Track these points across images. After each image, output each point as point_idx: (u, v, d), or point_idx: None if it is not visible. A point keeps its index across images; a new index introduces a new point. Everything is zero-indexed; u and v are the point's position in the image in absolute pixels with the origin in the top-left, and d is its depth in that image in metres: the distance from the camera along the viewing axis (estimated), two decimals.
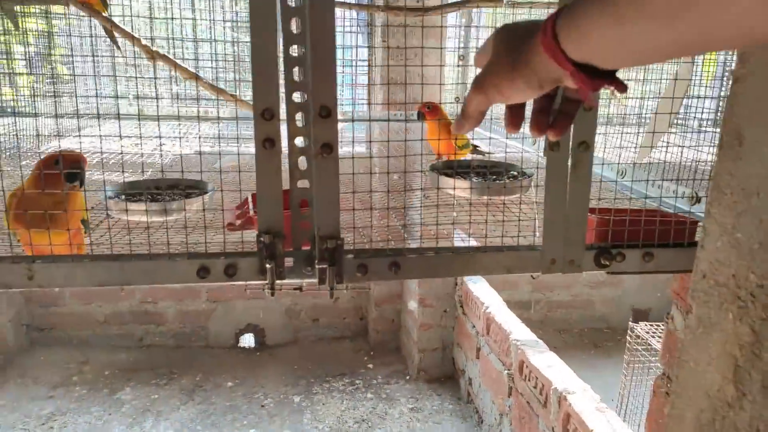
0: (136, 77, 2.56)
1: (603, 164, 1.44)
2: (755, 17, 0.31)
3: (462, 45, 2.73)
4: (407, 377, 3.34)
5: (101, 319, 3.51)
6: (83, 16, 2.42)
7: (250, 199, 1.06)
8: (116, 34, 2.21)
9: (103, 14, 2.12)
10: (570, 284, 3.78)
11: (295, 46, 0.77)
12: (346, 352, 3.61)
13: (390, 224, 1.11)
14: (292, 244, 0.84)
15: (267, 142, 0.78)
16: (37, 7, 2.34)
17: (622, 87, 0.46)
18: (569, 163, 0.85)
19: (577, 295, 3.84)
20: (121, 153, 2.00)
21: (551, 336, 3.55)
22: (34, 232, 0.79)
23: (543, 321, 3.75)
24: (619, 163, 1.53)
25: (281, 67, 0.77)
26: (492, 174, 1.35)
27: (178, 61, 2.20)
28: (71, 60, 2.68)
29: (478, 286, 2.89)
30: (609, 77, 0.45)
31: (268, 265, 0.81)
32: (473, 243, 1.10)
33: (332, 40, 0.76)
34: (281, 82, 0.78)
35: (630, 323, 2.26)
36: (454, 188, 1.18)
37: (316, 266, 0.83)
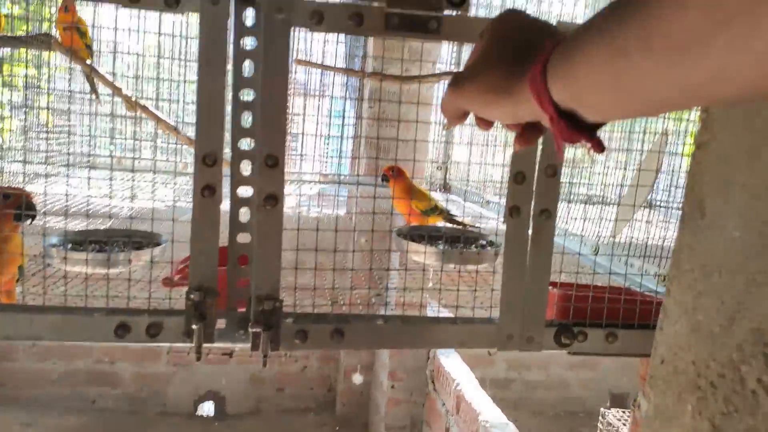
0: (113, 130, 2.54)
1: (566, 235, 1.40)
2: None
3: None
4: None
5: (54, 378, 3.31)
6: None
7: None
8: (97, 83, 2.21)
9: (87, 61, 2.12)
10: (546, 363, 3.67)
11: (246, 90, 0.73)
12: (311, 427, 3.41)
13: (342, 286, 1.05)
14: (227, 303, 0.77)
15: (206, 190, 0.73)
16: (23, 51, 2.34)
17: (599, 147, 0.41)
18: (530, 232, 0.81)
19: (553, 376, 3.72)
20: (88, 200, 1.94)
21: (526, 418, 3.39)
22: None
23: (518, 402, 3.60)
24: (595, 237, 1.49)
25: (229, 110, 0.73)
26: (461, 242, 1.30)
27: (159, 114, 2.18)
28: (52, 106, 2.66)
29: (451, 361, 2.78)
30: (589, 132, 0.40)
31: (195, 326, 0.73)
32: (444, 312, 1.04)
33: (285, 86, 0.72)
34: (228, 126, 0.74)
35: (602, 409, 2.16)
36: (407, 250, 1.13)
37: (250, 330, 0.76)
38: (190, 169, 0.73)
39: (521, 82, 0.42)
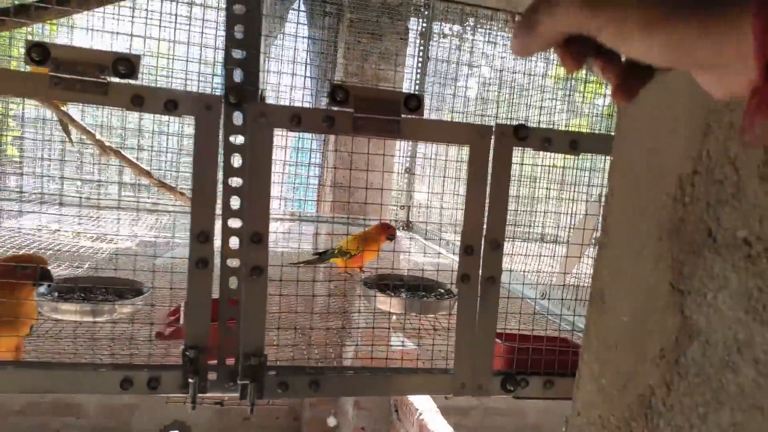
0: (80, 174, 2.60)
1: (523, 280, 1.55)
2: None
3: (409, 155, 2.94)
4: None
5: (17, 408, 3.28)
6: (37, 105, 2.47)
7: (182, 309, 1.09)
8: (71, 128, 2.27)
9: (62, 108, 2.19)
10: None
11: (234, 179, 0.86)
12: None
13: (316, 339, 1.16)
14: (218, 356, 0.88)
15: (200, 263, 0.84)
16: None
17: None
18: (478, 295, 0.95)
19: (511, 403, 3.87)
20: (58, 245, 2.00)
21: None
22: None
23: (478, 428, 3.73)
24: (544, 282, 1.65)
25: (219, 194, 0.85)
26: (421, 290, 1.44)
27: (131, 157, 2.27)
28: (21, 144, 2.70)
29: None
30: None
31: (191, 380, 0.84)
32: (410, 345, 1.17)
33: (268, 175, 0.85)
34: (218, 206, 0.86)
35: None
36: (371, 295, 1.26)
37: (239, 382, 0.87)
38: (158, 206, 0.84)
39: (738, 8, 0.26)
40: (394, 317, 1.46)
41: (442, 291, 1.45)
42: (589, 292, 0.68)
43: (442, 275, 1.53)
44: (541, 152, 0.97)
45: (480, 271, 0.93)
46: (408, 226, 3.00)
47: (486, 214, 0.94)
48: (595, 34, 0.31)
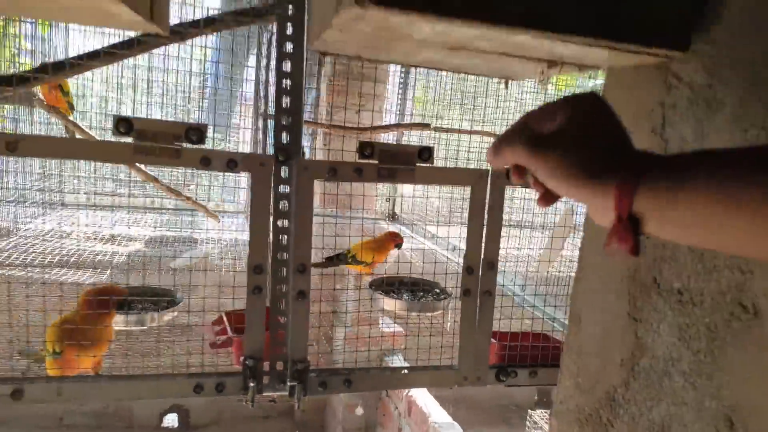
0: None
1: (514, 279, 1.78)
2: None
3: None
4: None
5: None
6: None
7: (225, 318, 1.28)
8: (78, 135, 2.39)
9: (69, 117, 2.31)
10: None
11: (282, 221, 1.04)
12: None
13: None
14: (269, 362, 1.08)
15: (256, 290, 1.04)
16: None
17: (635, 251, 0.44)
18: (477, 306, 1.16)
19: None
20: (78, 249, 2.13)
21: (464, 414, 3.82)
22: (82, 351, 0.99)
23: (457, 399, 4.02)
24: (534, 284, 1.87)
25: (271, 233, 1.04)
26: (420, 290, 1.65)
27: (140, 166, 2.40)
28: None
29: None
30: (636, 237, 0.44)
31: (251, 384, 1.04)
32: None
33: (310, 218, 1.04)
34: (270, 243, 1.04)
35: (529, 411, 2.60)
36: (383, 305, 1.46)
37: (288, 383, 1.07)
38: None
39: (606, 179, 0.44)
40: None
41: (438, 291, 1.67)
42: (569, 311, 0.90)
43: (434, 275, 1.75)
44: None
45: (479, 287, 1.15)
46: (393, 217, 3.20)
47: (483, 240, 1.15)
48: (532, 169, 0.49)
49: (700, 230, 0.40)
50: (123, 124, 0.92)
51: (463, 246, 1.15)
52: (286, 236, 1.05)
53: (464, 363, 1.17)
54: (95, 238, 2.22)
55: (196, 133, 0.94)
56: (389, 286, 1.61)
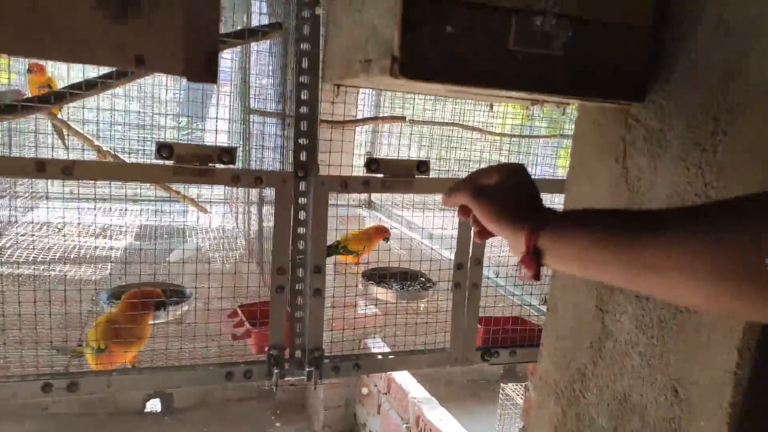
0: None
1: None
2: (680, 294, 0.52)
3: (369, 150, 3.29)
4: None
5: None
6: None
7: (239, 312, 1.43)
8: (66, 133, 2.45)
9: (57, 116, 2.37)
10: None
11: (300, 228, 1.19)
12: (254, 412, 3.85)
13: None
14: (289, 352, 1.24)
15: (279, 289, 1.19)
16: None
17: (537, 277, 0.62)
18: (466, 297, 1.35)
19: None
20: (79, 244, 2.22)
21: (439, 389, 4.06)
22: (124, 347, 1.12)
23: (432, 376, 4.26)
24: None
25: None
26: (408, 279, 1.83)
27: (125, 157, 2.48)
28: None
29: (381, 348, 3.34)
30: (539, 266, 0.62)
31: (276, 370, 1.20)
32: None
33: (325, 226, 1.19)
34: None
35: (501, 384, 2.83)
36: (375, 292, 1.63)
37: (306, 369, 1.23)
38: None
39: (521, 223, 0.62)
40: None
41: (423, 280, 1.85)
42: (548, 303, 1.09)
43: (416, 264, 1.93)
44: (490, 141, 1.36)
45: (468, 281, 1.33)
46: (370, 205, 3.36)
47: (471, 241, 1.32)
48: (474, 211, 0.68)
49: (579, 264, 0.60)
50: (165, 150, 1.05)
51: (440, 233, 1.33)
52: (303, 241, 1.20)
53: (455, 346, 1.36)
54: (88, 234, 2.30)
55: (227, 155, 1.08)
56: (380, 276, 1.78)
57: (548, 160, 3.70)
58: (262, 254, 1.82)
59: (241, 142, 2.17)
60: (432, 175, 1.23)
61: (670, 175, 0.83)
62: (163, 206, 3.08)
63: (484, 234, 0.72)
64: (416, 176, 1.23)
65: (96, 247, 2.19)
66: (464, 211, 0.71)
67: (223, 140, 2.77)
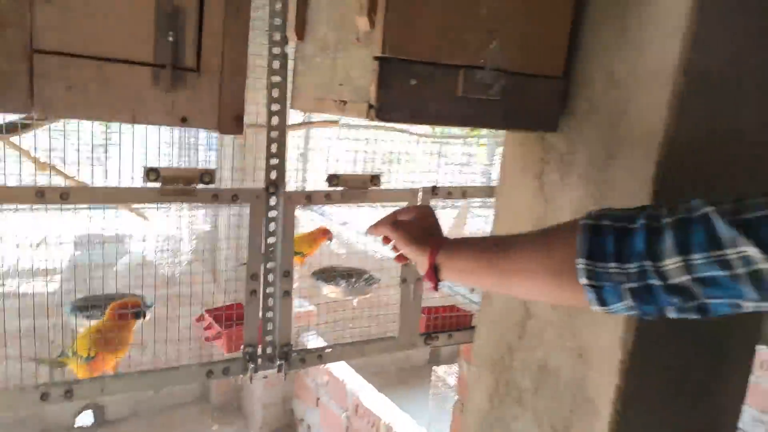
0: None
1: None
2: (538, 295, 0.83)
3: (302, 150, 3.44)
4: None
5: None
6: None
7: (207, 315, 1.56)
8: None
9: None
10: None
11: (271, 238, 1.35)
12: (191, 418, 3.88)
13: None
14: (261, 348, 1.40)
15: (252, 293, 1.34)
16: None
17: (436, 289, 0.92)
18: (412, 290, 1.56)
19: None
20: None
21: (370, 378, 4.28)
22: (111, 354, 1.22)
23: (362, 366, 4.47)
24: None
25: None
26: (353, 277, 2.02)
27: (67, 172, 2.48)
28: None
29: (317, 343, 3.50)
30: (438, 280, 0.90)
31: (251, 365, 1.35)
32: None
33: (292, 236, 1.36)
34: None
35: (434, 367, 3.10)
36: (326, 291, 1.82)
37: (277, 362, 1.40)
38: None
39: (425, 247, 0.89)
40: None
41: (367, 276, 2.05)
42: (482, 294, 1.33)
43: (362, 263, 2.13)
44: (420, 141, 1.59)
45: (414, 276, 1.55)
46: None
47: None
48: (393, 240, 0.95)
49: (464, 275, 0.86)
50: (152, 173, 1.17)
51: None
52: (273, 250, 1.36)
53: (403, 334, 1.57)
54: (31, 245, 2.29)
55: (208, 175, 1.22)
56: (328, 274, 1.96)
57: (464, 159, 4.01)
58: (215, 260, 1.94)
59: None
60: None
61: (575, 188, 1.09)
62: (96, 212, 3.06)
63: (402, 258, 1.00)
64: (369, 188, 1.42)
65: (40, 259, 2.20)
66: (386, 239, 0.98)
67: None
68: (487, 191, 1.60)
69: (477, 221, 3.03)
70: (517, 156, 1.23)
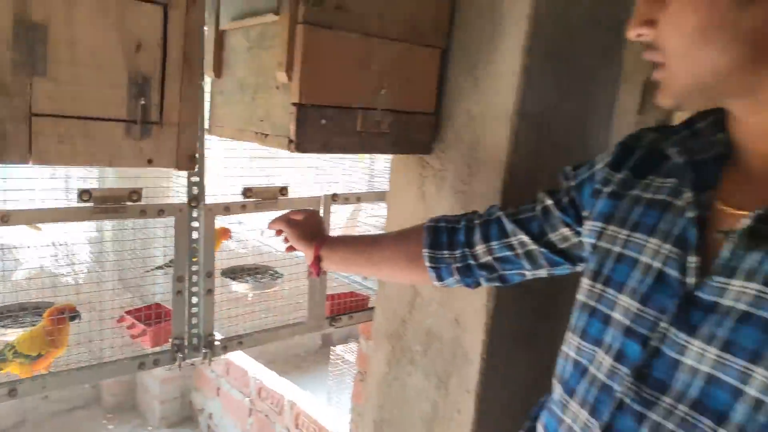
0: None
1: None
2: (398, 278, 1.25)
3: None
4: (149, 428, 3.80)
5: None
6: None
7: (128, 317, 1.71)
8: None
9: None
10: None
11: (194, 245, 1.54)
12: (83, 421, 3.82)
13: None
14: (187, 340, 1.59)
15: (179, 293, 1.53)
16: None
17: (317, 276, 1.31)
18: (318, 281, 1.83)
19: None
20: None
21: (267, 366, 4.47)
22: (56, 351, 1.34)
23: (258, 354, 4.65)
24: None
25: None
26: (259, 273, 2.23)
27: None
28: None
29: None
30: (320, 269, 1.20)
31: (180, 355, 1.54)
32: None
33: (213, 242, 1.56)
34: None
35: (331, 347, 3.38)
36: (232, 288, 2.03)
37: (202, 351, 1.60)
38: None
39: (311, 241, 1.18)
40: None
41: (272, 273, 2.27)
42: (377, 280, 1.62)
43: (267, 259, 2.34)
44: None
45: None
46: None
47: None
48: (286, 234, 1.28)
49: (343, 264, 1.18)
50: (85, 194, 1.32)
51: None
52: (195, 255, 1.55)
53: (311, 318, 1.84)
54: None
55: (136, 194, 1.39)
56: (236, 272, 2.15)
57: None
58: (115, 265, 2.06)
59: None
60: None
61: (448, 196, 1.42)
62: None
63: (291, 249, 1.28)
64: (279, 198, 1.66)
65: None
66: (279, 233, 1.27)
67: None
68: (378, 196, 1.90)
69: (370, 220, 3.33)
70: (402, 172, 1.53)
